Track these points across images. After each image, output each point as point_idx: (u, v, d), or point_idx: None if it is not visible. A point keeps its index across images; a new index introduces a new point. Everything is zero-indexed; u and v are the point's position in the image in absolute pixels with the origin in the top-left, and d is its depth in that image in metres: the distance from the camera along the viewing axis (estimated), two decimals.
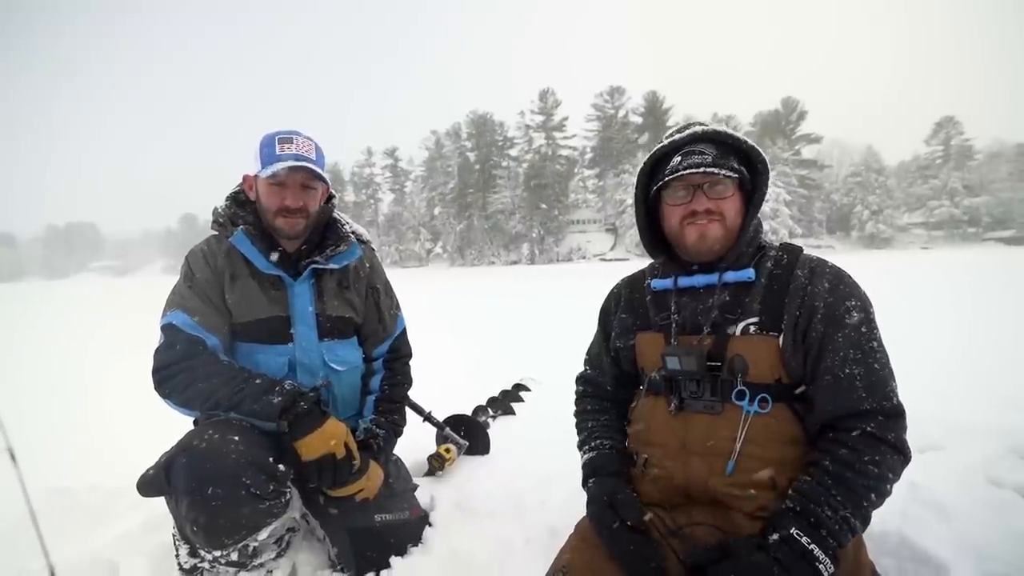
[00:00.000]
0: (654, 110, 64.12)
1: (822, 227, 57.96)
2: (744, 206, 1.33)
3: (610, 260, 51.56)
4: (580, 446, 1.53)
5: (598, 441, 1.47)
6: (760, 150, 1.30)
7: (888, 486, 1.11)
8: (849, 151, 64.37)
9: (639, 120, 64.90)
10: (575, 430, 1.59)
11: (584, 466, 1.46)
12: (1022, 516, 1.70)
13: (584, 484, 1.42)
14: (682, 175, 1.26)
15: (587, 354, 1.65)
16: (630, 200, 1.51)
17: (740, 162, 1.31)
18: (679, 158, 1.29)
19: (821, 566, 1.03)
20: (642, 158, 1.40)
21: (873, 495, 1.09)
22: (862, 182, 56.59)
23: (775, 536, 1.07)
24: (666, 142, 1.35)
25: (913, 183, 59.56)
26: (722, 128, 1.31)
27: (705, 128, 1.31)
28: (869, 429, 1.12)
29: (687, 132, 1.32)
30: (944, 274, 16.77)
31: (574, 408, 1.63)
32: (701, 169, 1.25)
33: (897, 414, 1.14)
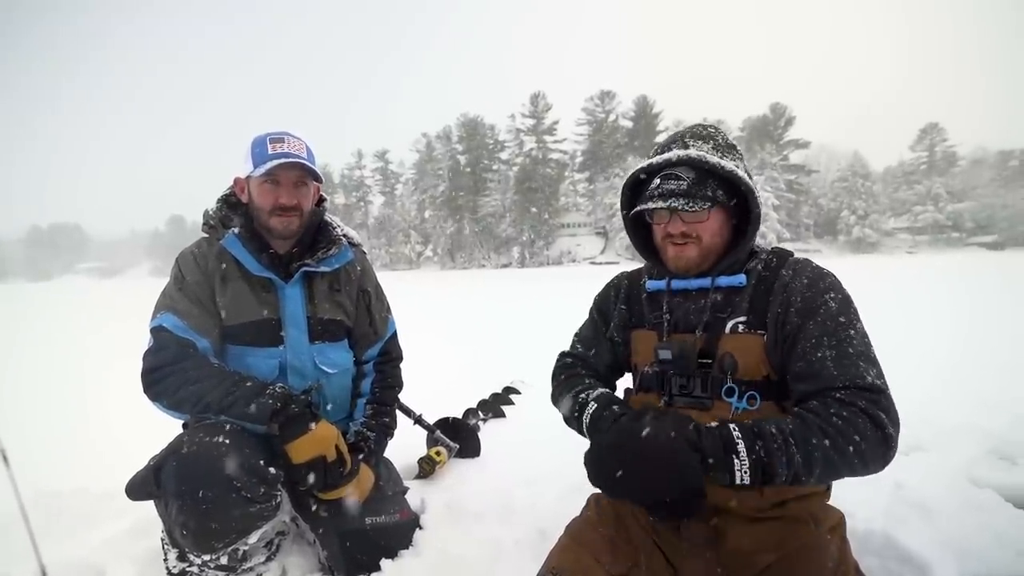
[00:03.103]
0: (644, 114, 64.67)
1: (809, 231, 58.59)
2: (728, 220, 1.34)
3: (600, 263, 51.62)
4: (576, 392, 1.43)
5: (601, 390, 1.42)
6: (741, 175, 1.28)
7: (851, 448, 1.02)
8: (836, 156, 65.27)
9: (629, 124, 65.36)
10: (559, 390, 1.49)
11: (595, 399, 1.37)
12: (1002, 516, 1.73)
13: (596, 414, 1.34)
14: (656, 204, 1.28)
15: (577, 336, 1.63)
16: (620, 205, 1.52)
17: (722, 183, 1.30)
18: (658, 180, 1.32)
19: (737, 462, 1.01)
20: (632, 162, 1.42)
21: (827, 441, 1.02)
22: (849, 187, 57.29)
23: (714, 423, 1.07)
24: (645, 164, 1.37)
25: (899, 188, 60.47)
26: (699, 155, 1.29)
27: (680, 155, 1.31)
28: (839, 396, 1.08)
29: (663, 157, 1.33)
30: (929, 278, 17.00)
31: (558, 374, 1.56)
32: (668, 203, 1.26)
33: (870, 389, 1.08)
